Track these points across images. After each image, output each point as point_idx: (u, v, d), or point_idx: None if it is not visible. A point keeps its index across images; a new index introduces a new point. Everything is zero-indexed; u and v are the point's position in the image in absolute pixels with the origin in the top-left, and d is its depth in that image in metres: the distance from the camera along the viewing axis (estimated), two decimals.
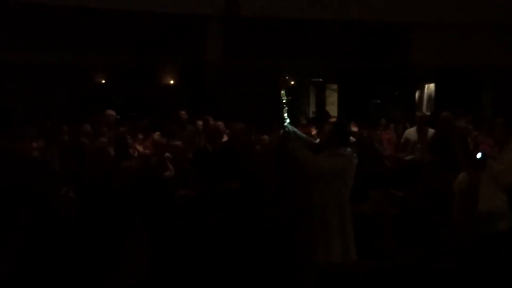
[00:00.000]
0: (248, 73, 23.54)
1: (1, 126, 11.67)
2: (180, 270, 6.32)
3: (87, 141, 10.53)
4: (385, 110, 23.02)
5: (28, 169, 5.85)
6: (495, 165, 7.81)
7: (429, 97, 23.50)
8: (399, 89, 24.87)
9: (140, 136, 12.82)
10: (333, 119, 13.31)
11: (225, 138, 11.42)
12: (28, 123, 12.67)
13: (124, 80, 23.25)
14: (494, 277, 5.14)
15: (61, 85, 22.29)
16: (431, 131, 11.78)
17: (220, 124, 12.29)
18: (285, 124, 7.06)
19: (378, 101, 25.79)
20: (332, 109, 25.43)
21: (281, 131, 7.05)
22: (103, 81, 23.83)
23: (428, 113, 18.90)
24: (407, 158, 11.72)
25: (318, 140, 7.80)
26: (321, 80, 27.14)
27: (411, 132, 12.40)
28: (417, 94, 23.92)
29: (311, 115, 25.25)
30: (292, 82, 25.26)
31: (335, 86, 26.96)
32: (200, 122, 13.72)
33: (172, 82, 24.15)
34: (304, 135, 7.71)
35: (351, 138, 12.33)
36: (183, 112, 14.56)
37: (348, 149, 7.01)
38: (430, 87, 23.58)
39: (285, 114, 7.20)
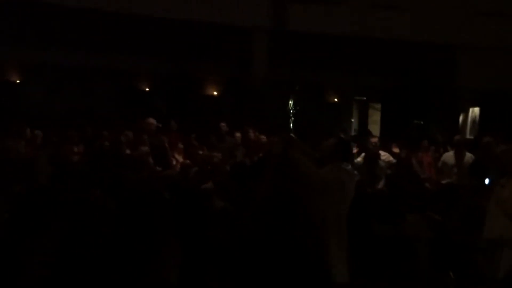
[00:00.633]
0: (291, 87, 23.46)
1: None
2: (212, 282, 6.32)
3: (126, 148, 10.59)
4: (428, 132, 22.80)
5: (65, 177, 5.91)
6: (504, 192, 7.65)
7: (473, 120, 23.26)
8: (443, 111, 24.62)
9: (180, 145, 12.86)
10: (375, 139, 13.24)
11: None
12: (69, 127, 12.76)
13: (168, 88, 23.35)
14: None
15: (104, 90, 22.46)
16: (469, 155, 11.68)
17: (263, 137, 12.28)
18: (290, 134, 7.05)
19: (421, 122, 25.55)
20: (374, 128, 25.25)
21: (284, 139, 7.04)
22: (147, 89, 23.95)
23: (471, 137, 18.69)
24: (444, 181, 11.63)
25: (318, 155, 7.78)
26: (364, 98, 26.99)
27: (448, 156, 12.32)
28: (461, 117, 23.69)
29: (352, 133, 25.11)
30: (336, 99, 25.21)
31: (378, 105, 26.80)
32: (238, 134, 13.72)
33: (215, 92, 24.20)
34: (306, 148, 7.70)
35: (391, 159, 12.30)
36: (223, 124, 14.57)
37: (349, 166, 7.00)
38: (475, 111, 23.34)
39: (291, 124, 7.20)
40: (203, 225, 6.02)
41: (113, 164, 8.07)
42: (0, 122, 12.70)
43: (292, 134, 7.09)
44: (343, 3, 20.30)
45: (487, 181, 7.87)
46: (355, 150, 13.75)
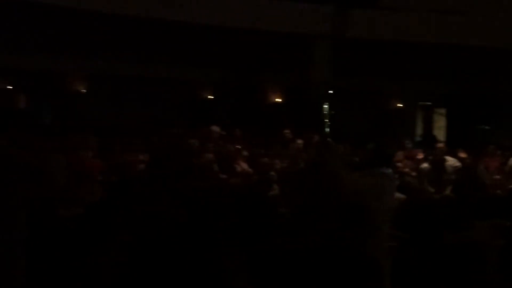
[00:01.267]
0: (354, 94, 23.39)
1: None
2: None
3: (191, 156, 10.63)
4: (494, 137, 22.40)
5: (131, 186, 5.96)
6: None
7: None
8: (509, 116, 24.18)
9: (245, 153, 12.86)
10: (441, 144, 13.09)
11: None
12: (134, 136, 12.90)
13: (231, 96, 23.47)
14: None
15: (169, 99, 22.69)
16: None
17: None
18: (327, 140, 7.00)
19: (487, 127, 25.15)
20: (440, 134, 24.97)
21: (321, 146, 6.97)
22: (210, 97, 24.10)
23: None
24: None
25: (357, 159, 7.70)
26: (429, 103, 26.69)
27: None
28: None
29: (417, 138, 24.85)
30: (399, 105, 25.01)
31: (443, 111, 26.47)
32: (300, 141, 13.68)
33: (277, 100, 24.21)
34: (344, 153, 7.63)
35: (458, 164, 12.13)
36: (287, 131, 14.55)
37: (389, 170, 6.87)
38: None
39: (327, 129, 7.16)
40: (269, 233, 5.99)
41: (179, 172, 8.10)
42: (67, 133, 12.91)
43: (329, 140, 7.07)
44: (403, 9, 20.10)
45: None
46: (420, 156, 13.60)
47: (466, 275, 6.94)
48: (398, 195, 9.13)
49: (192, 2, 18.49)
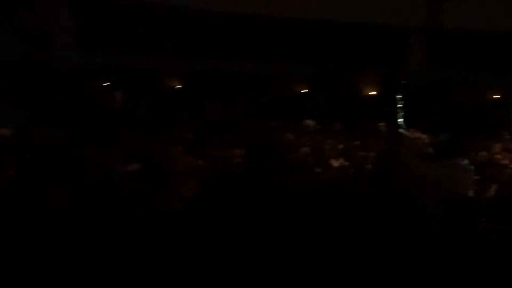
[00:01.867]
0: (449, 86, 22.98)
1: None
2: (386, 280, 6.20)
3: (287, 150, 10.60)
4: None
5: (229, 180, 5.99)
6: None
7: None
8: None
9: (340, 146, 12.77)
10: None
11: None
12: (230, 131, 12.99)
13: (325, 90, 23.35)
14: None
15: (263, 94, 22.76)
16: None
17: (424, 136, 12.01)
18: (400, 129, 6.87)
19: None
20: None
21: (393, 137, 6.85)
22: (304, 91, 24.04)
23: None
24: None
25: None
26: None
27: None
28: None
29: None
30: (496, 96, 24.42)
31: None
32: None
33: (372, 93, 23.96)
34: (418, 143, 7.48)
35: None
36: (381, 124, 14.38)
37: (465, 161, 6.70)
38: None
39: (400, 119, 7.02)
40: (368, 226, 5.91)
41: (274, 167, 8.08)
42: (162, 129, 13.10)
43: (403, 131, 6.95)
44: None
45: None
46: None
47: None
48: (494, 187, 8.92)
49: None
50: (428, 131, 13.04)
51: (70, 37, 17.90)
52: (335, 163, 11.65)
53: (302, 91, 23.95)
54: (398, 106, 7.38)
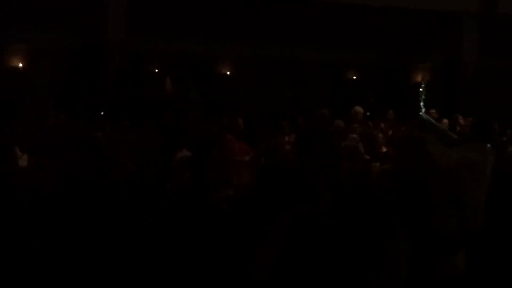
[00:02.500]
0: (504, 73, 22.70)
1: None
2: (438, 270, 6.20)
3: (337, 137, 10.61)
4: None
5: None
6: None
7: None
8: None
9: (390, 133, 12.72)
10: None
11: None
12: (281, 118, 13.04)
13: (377, 77, 23.26)
14: None
15: (314, 81, 22.78)
16: None
17: (466, 123, 11.95)
18: (421, 113, 6.86)
19: None
20: None
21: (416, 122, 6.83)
22: (355, 78, 23.99)
23: None
24: None
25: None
26: None
27: None
28: None
29: None
30: None
31: None
32: (445, 120, 13.39)
33: (424, 80, 23.77)
34: (441, 127, 7.41)
35: None
36: (433, 111, 14.29)
37: (488, 146, 6.65)
38: None
39: (421, 103, 6.99)
40: (426, 213, 5.89)
41: (325, 154, 8.12)
42: (214, 115, 13.22)
43: (426, 116, 6.93)
44: None
45: None
46: None
47: None
48: None
49: None
50: (481, 117, 12.99)
51: (123, 23, 18.11)
52: (384, 151, 11.63)
53: (354, 78, 23.91)
54: (420, 91, 7.36)
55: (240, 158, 9.21)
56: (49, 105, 15.64)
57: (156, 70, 22.25)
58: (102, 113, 14.14)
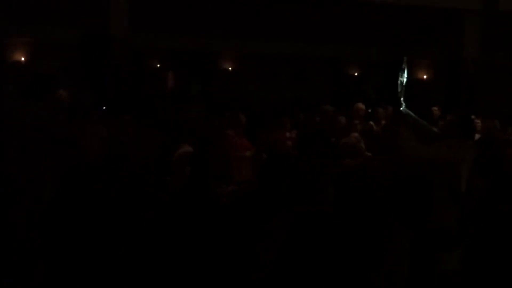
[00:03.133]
0: (506, 69, 22.72)
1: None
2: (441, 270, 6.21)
3: (339, 133, 10.62)
4: None
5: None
6: None
7: None
8: None
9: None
10: None
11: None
12: (282, 113, 13.05)
13: (378, 73, 23.27)
14: None
15: (315, 77, 22.80)
16: None
17: (478, 121, 11.92)
18: (401, 108, 6.84)
19: None
20: None
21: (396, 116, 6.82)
22: (357, 74, 24.01)
23: None
24: None
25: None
26: None
27: None
28: None
29: None
30: None
31: None
32: (449, 117, 13.39)
33: (426, 76, 23.80)
34: (422, 121, 7.39)
35: None
36: (435, 108, 14.29)
37: (469, 142, 6.62)
38: None
39: (401, 98, 6.97)
40: (427, 211, 5.91)
41: (325, 150, 8.13)
42: (215, 110, 13.23)
43: (406, 110, 6.91)
44: None
45: None
46: None
47: None
48: None
49: None
50: (483, 115, 13.00)
51: (126, 19, 18.11)
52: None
53: (356, 74, 23.92)
54: (400, 81, 7.34)
55: (241, 154, 9.25)
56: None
57: (158, 66, 22.28)
58: (103, 108, 14.13)
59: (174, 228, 6.55)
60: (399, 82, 7.60)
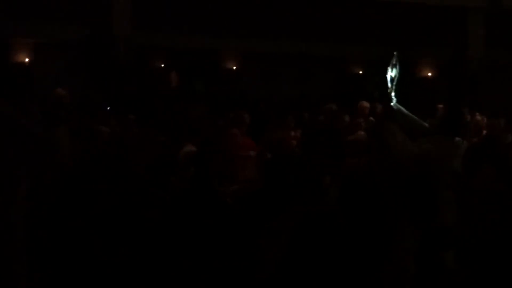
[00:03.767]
0: (510, 67, 22.63)
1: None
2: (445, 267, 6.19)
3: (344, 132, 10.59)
4: None
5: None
6: None
7: None
8: None
9: None
10: None
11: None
12: (286, 113, 13.02)
13: (381, 72, 23.19)
14: None
15: (319, 76, 22.74)
16: None
17: (482, 119, 11.89)
18: (392, 103, 6.82)
19: None
20: None
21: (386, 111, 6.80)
22: (361, 72, 23.96)
23: None
24: None
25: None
26: None
27: None
28: None
29: None
30: None
31: None
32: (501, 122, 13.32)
33: (429, 74, 23.74)
34: (413, 116, 7.37)
35: None
36: (440, 106, 14.26)
37: (457, 138, 6.61)
38: None
39: (392, 93, 6.95)
40: (433, 209, 5.88)
41: (331, 149, 8.10)
42: (219, 110, 13.20)
43: (397, 106, 6.88)
44: None
45: None
46: None
47: None
48: None
49: None
50: (486, 113, 12.96)
51: (129, 17, 18.11)
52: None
53: (359, 72, 23.87)
54: (390, 77, 7.30)
55: (245, 153, 9.21)
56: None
57: (162, 65, 22.26)
58: (108, 107, 14.13)
59: (178, 228, 6.53)
60: (389, 77, 7.55)
